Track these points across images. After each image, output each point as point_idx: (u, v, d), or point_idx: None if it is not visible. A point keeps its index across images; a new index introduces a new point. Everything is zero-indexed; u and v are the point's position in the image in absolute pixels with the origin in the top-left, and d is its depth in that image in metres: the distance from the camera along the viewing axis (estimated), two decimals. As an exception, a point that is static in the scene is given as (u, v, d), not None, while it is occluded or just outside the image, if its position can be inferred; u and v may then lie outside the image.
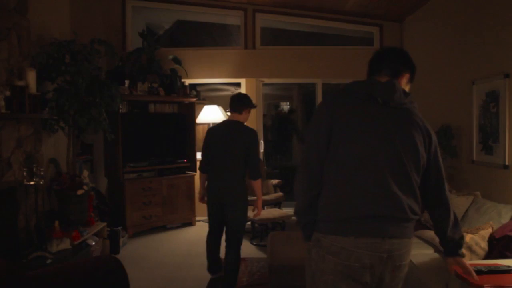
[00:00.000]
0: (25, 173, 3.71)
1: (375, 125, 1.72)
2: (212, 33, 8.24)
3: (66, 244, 3.93)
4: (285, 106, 10.42)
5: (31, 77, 3.79)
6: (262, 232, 5.50)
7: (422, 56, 5.96)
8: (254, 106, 3.85)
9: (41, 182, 3.79)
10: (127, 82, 5.61)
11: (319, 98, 7.00)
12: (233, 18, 7.02)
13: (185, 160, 6.28)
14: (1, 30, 3.62)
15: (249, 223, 5.49)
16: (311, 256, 1.79)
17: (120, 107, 5.28)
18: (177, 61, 6.15)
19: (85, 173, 4.51)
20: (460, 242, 1.88)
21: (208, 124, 6.51)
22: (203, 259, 4.19)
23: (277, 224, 5.53)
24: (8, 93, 3.50)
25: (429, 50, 5.71)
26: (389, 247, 1.66)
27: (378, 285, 1.73)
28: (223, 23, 7.83)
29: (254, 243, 5.40)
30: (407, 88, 1.93)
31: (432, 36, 5.67)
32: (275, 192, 6.31)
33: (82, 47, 4.25)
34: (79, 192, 4.27)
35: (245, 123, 3.75)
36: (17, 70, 3.80)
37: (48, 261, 3.56)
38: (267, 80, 6.89)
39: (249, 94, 6.64)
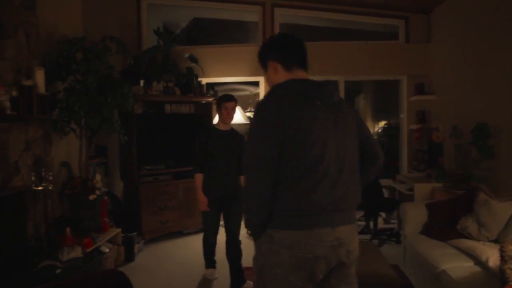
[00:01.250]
0: (33, 178, 3.52)
1: (321, 125, 1.76)
2: (229, 31, 8.03)
3: (77, 252, 3.73)
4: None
5: (40, 76, 3.60)
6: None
7: (453, 49, 5.63)
8: (227, 100, 3.84)
9: (50, 187, 3.59)
10: (142, 82, 5.41)
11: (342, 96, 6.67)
12: (251, 14, 6.77)
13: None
14: (8, 27, 3.43)
15: None
16: (260, 250, 1.83)
17: (135, 107, 5.08)
18: (193, 59, 5.92)
19: (98, 177, 4.31)
20: None
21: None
22: (220, 268, 3.95)
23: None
24: (15, 93, 3.31)
25: (461, 43, 5.37)
26: (338, 235, 1.75)
27: (333, 273, 1.80)
28: (241, 20, 7.62)
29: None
30: None
31: (464, 27, 5.32)
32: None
33: (93, 45, 4.04)
34: (91, 197, 4.08)
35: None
36: (25, 70, 3.61)
37: (58, 271, 3.36)
38: (287, 78, 6.59)
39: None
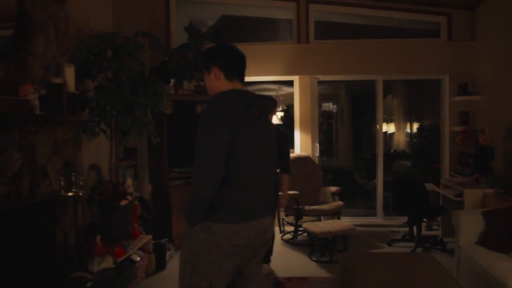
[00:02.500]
0: (63, 183, 3.27)
1: (257, 133, 2.05)
2: (258, 28, 7.76)
3: (109, 263, 3.47)
4: (329, 106, 9.77)
5: (70, 73, 3.35)
6: (322, 246, 4.90)
7: (500, 48, 5.25)
8: None
9: (81, 193, 3.34)
10: (172, 81, 5.15)
11: (380, 97, 6.34)
12: (282, 12, 6.47)
13: (235, 165, 5.76)
14: (37, 21, 3.19)
15: (305, 234, 4.95)
16: (197, 238, 2.02)
17: (165, 107, 4.81)
18: (225, 57, 5.63)
19: (129, 181, 4.06)
20: None
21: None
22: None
23: (339, 238, 4.92)
24: (43, 91, 3.06)
25: (509, 42, 4.98)
26: (265, 224, 2.13)
27: (255, 255, 2.17)
28: (270, 17, 7.33)
29: (314, 259, 4.81)
30: None
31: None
32: (334, 200, 5.70)
33: (125, 41, 3.78)
34: (123, 202, 3.82)
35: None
36: (54, 66, 3.37)
37: (89, 284, 3.11)
38: (322, 77, 6.28)
39: (303, 93, 6.19)
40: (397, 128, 9.10)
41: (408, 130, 9.07)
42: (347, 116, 9.55)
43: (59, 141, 3.35)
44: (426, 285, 2.91)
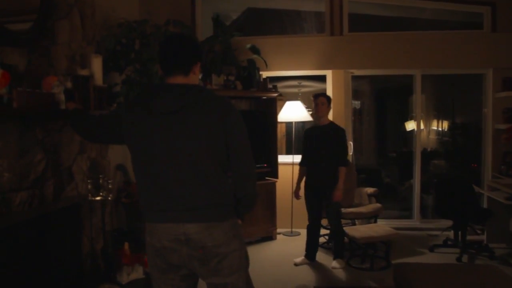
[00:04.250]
0: (90, 186, 2.96)
1: (155, 131, 1.87)
2: (283, 22, 7.43)
3: (138, 273, 3.17)
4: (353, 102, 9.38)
5: (97, 65, 3.04)
6: (362, 252, 4.55)
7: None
8: (316, 96, 4.58)
9: (110, 198, 3.03)
10: (200, 75, 4.82)
11: (418, 93, 5.96)
12: (311, 3, 6.13)
13: (265, 165, 5.43)
14: (61, 6, 2.88)
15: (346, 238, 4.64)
16: None
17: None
18: (255, 50, 5.30)
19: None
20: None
21: (291, 123, 5.66)
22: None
23: (382, 244, 4.56)
24: (69, 84, 2.75)
25: None
26: (184, 231, 1.87)
27: (201, 267, 1.93)
28: (298, 9, 6.99)
29: (354, 265, 4.46)
30: (197, 76, 2.01)
31: None
32: (370, 202, 5.34)
33: (156, 29, 3.46)
34: (152, 206, 3.50)
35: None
36: (79, 57, 3.07)
37: (119, 298, 2.80)
38: (357, 72, 5.91)
39: (337, 88, 5.83)
40: (425, 125, 8.70)
41: (437, 127, 8.65)
42: (372, 112, 9.17)
43: (85, 140, 3.04)
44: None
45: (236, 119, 1.94)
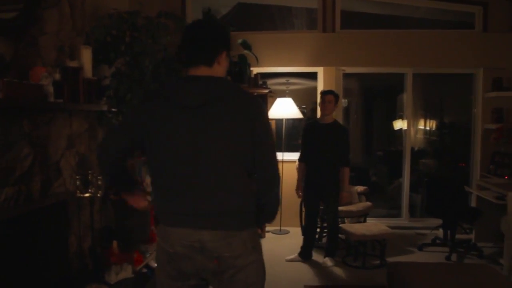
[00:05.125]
0: (78, 182, 2.85)
1: (174, 129, 1.70)
2: (273, 17, 7.36)
3: (127, 272, 3.07)
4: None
5: (87, 56, 2.94)
6: (356, 250, 4.53)
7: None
8: (325, 93, 4.57)
9: (99, 194, 2.93)
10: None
11: (409, 91, 5.95)
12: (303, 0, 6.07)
13: (255, 162, 5.35)
14: (50, -6, 2.77)
15: (342, 236, 4.62)
16: None
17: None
18: (246, 45, 5.23)
19: (148, 179, 3.64)
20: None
21: (281, 120, 5.58)
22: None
23: (376, 243, 4.54)
24: (58, 76, 2.64)
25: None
26: (199, 238, 1.71)
27: (214, 278, 1.78)
28: (290, 5, 6.93)
29: (348, 263, 4.43)
30: (227, 64, 1.84)
31: None
32: (360, 201, 5.31)
33: (147, 22, 3.35)
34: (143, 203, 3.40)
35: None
36: (68, 48, 2.95)
37: (108, 299, 2.70)
38: (348, 70, 5.87)
39: (328, 86, 5.76)
40: (413, 125, 8.72)
41: (425, 127, 8.67)
42: (359, 111, 9.16)
43: (74, 134, 2.93)
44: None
45: (265, 120, 1.77)
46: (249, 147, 1.72)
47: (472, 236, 5.28)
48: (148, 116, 1.72)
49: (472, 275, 3.00)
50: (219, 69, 1.77)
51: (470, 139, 6.05)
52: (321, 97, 4.50)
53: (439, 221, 5.21)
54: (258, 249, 1.84)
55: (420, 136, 8.52)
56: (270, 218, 1.95)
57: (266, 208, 1.86)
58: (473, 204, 5.46)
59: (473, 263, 4.41)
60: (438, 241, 5.13)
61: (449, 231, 4.94)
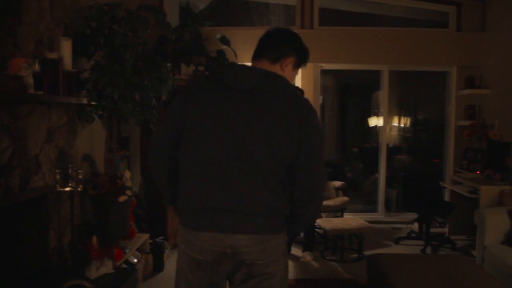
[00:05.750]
0: (58, 176, 2.80)
1: (218, 114, 1.60)
2: (251, 13, 7.36)
3: (108, 268, 3.03)
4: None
5: (67, 48, 2.88)
6: (334, 244, 4.59)
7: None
8: None
9: (79, 189, 2.88)
10: (169, 65, 4.68)
11: (385, 89, 6.04)
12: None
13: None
14: (29, -16, 2.70)
15: (320, 230, 4.67)
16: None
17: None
18: (225, 40, 5.21)
19: (127, 173, 3.60)
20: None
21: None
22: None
23: (354, 237, 4.61)
24: (37, 67, 2.58)
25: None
26: (232, 243, 1.57)
27: (237, 284, 1.66)
28: (267, 1, 6.94)
29: (327, 258, 4.49)
30: (292, 74, 1.78)
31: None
32: (337, 196, 5.38)
33: (128, 14, 3.31)
34: (122, 198, 3.37)
35: None
36: (47, 40, 2.89)
37: (89, 294, 2.66)
38: (326, 66, 5.92)
39: (305, 82, 5.81)
40: (388, 121, 8.87)
41: (399, 124, 8.83)
42: (335, 108, 9.26)
43: (53, 127, 2.87)
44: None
45: (315, 127, 1.65)
46: (293, 147, 1.60)
47: (445, 229, 5.41)
48: (192, 98, 1.66)
49: (448, 265, 3.11)
50: (282, 72, 1.73)
51: (443, 135, 6.19)
52: None
53: (414, 216, 5.34)
54: (285, 256, 1.74)
55: (394, 133, 8.68)
56: (303, 228, 1.87)
57: (301, 219, 1.74)
58: (447, 198, 5.60)
59: (448, 254, 4.54)
60: (413, 235, 5.25)
61: (424, 225, 5.06)
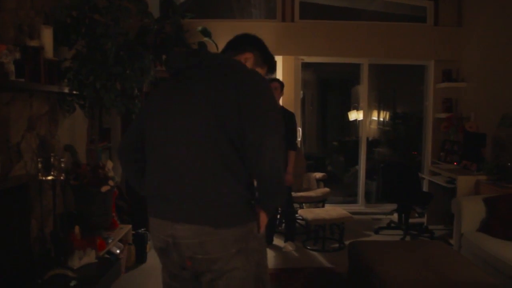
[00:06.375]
0: (40, 165, 2.77)
1: (161, 102, 1.61)
2: (231, 6, 7.36)
3: (91, 257, 3.02)
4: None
5: (48, 36, 2.85)
6: (316, 234, 4.65)
7: (488, 34, 5.17)
8: (271, 81, 4.38)
9: (62, 177, 2.86)
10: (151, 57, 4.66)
11: (365, 82, 6.12)
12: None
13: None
14: (8, -30, 2.67)
15: (302, 221, 4.73)
16: None
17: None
18: (206, 33, 5.21)
19: (110, 164, 3.59)
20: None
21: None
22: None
23: (335, 227, 4.68)
24: (18, 55, 2.55)
25: (500, 27, 4.89)
26: (172, 232, 1.48)
27: (194, 281, 1.58)
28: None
29: (309, 247, 4.55)
30: (257, 71, 1.71)
31: (503, 12, 4.83)
32: (318, 187, 5.44)
33: (109, 3, 3.29)
34: (104, 188, 3.35)
35: None
36: (27, 27, 2.85)
37: (73, 283, 2.64)
38: (307, 59, 5.97)
39: (286, 75, 5.85)
40: (367, 115, 8.99)
41: (379, 117, 8.95)
42: (315, 102, 9.33)
43: (34, 115, 2.85)
44: (454, 273, 2.69)
45: (258, 90, 1.51)
46: (234, 118, 1.45)
47: (424, 219, 5.53)
48: (149, 99, 1.75)
49: (427, 250, 3.19)
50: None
51: (422, 128, 6.31)
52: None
53: (393, 206, 5.44)
54: (247, 253, 1.55)
55: (374, 126, 8.80)
56: (274, 201, 1.61)
57: (263, 202, 1.57)
58: (425, 189, 5.72)
59: (427, 240, 4.65)
60: (392, 225, 5.35)
61: (403, 215, 5.16)
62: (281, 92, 4.50)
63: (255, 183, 1.56)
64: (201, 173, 1.45)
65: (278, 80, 4.56)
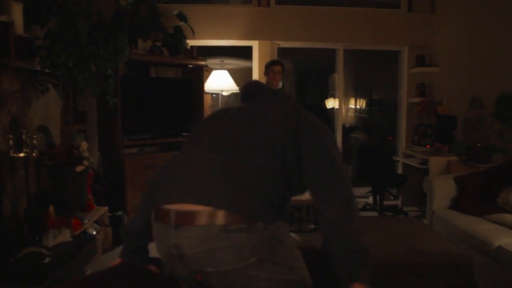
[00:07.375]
0: (11, 142, 2.75)
1: (211, 122, 1.53)
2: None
3: (65, 236, 3.01)
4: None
5: (18, 12, 2.82)
6: (292, 215, 4.72)
7: (460, 20, 5.30)
8: (274, 64, 4.60)
9: (34, 154, 2.84)
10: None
11: (340, 67, 6.18)
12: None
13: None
14: None
15: None
16: None
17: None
18: (182, 17, 5.19)
19: (84, 144, 3.57)
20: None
21: (217, 94, 5.62)
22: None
23: (311, 208, 4.75)
24: (-14, 30, 2.53)
25: (472, 12, 5.02)
26: (176, 241, 1.20)
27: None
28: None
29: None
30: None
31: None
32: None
33: (81, -19, 3.26)
34: (79, 168, 3.33)
35: None
36: (-4, 3, 2.81)
37: (47, 260, 2.64)
38: (283, 44, 6.00)
39: (262, 60, 5.86)
40: (344, 103, 9.10)
41: (355, 105, 9.07)
42: (292, 91, 9.40)
43: (5, 92, 2.81)
44: (428, 246, 2.78)
45: (312, 121, 1.60)
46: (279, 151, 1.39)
47: (398, 201, 5.65)
48: None
49: (400, 226, 3.28)
50: None
51: (396, 113, 6.42)
52: (269, 68, 4.57)
53: (369, 189, 5.54)
54: (275, 262, 1.26)
55: (351, 114, 8.91)
56: (360, 266, 1.32)
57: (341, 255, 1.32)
58: (399, 172, 5.84)
59: (401, 217, 4.77)
60: (368, 207, 5.45)
61: (378, 197, 5.27)
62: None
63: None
64: (237, 181, 1.28)
65: (280, 62, 4.63)
